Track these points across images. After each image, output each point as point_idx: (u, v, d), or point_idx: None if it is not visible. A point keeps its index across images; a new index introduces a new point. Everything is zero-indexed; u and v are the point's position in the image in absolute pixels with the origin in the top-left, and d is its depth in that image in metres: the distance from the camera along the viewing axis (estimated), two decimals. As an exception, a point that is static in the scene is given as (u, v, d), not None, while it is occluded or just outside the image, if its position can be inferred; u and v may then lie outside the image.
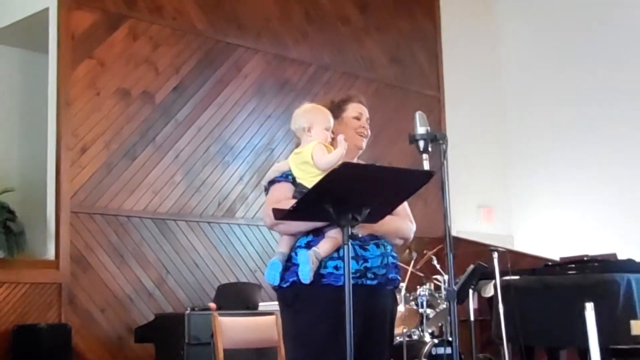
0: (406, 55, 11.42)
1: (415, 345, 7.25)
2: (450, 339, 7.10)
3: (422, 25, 11.78)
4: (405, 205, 3.85)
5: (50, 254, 7.71)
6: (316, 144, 3.61)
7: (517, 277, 6.69)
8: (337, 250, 3.51)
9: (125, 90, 8.27)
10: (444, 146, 3.58)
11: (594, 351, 4.34)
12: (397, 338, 7.13)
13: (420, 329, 7.53)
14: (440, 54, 11.88)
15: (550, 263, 7.46)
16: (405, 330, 7.22)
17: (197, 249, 8.62)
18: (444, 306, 7.51)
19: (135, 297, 8.08)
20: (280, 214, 3.38)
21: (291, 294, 3.61)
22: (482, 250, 7.17)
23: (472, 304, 6.69)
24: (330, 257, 3.54)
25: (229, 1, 9.31)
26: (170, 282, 8.35)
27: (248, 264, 9.00)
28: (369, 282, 3.59)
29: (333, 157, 3.52)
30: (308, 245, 3.57)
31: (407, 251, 7.62)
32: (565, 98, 11.75)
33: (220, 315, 6.31)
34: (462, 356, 7.14)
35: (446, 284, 7.51)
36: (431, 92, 11.61)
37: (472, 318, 6.49)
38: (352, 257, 3.49)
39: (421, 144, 3.59)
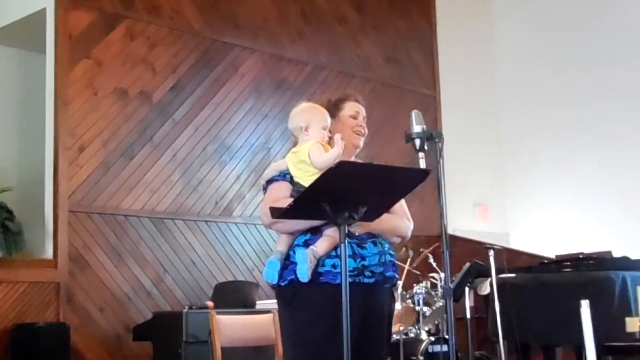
0: (402, 55, 11.44)
1: (412, 343, 7.25)
2: (446, 336, 7.13)
3: (418, 25, 11.80)
4: (402, 203, 3.87)
5: (49, 253, 7.71)
6: (313, 143, 3.63)
7: (513, 275, 6.73)
8: (335, 248, 3.52)
9: (123, 89, 8.28)
10: (440, 145, 3.60)
11: (589, 348, 4.37)
12: (394, 336, 7.13)
13: (416, 327, 7.54)
14: (436, 54, 11.89)
15: (546, 261, 7.49)
16: (401, 328, 7.23)
17: (194, 247, 8.63)
18: (441, 304, 7.53)
19: (133, 296, 8.09)
20: (278, 213, 3.40)
21: (289, 292, 3.63)
22: (478, 248, 7.21)
23: (469, 302, 6.72)
24: (328, 256, 3.55)
25: (226, 1, 9.32)
26: (168, 281, 8.37)
27: (245, 262, 9.02)
28: (366, 280, 3.60)
29: (330, 156, 3.54)
30: (306, 244, 3.59)
31: (404, 249, 7.63)
32: (561, 97, 11.76)
33: (218, 313, 6.33)
34: (459, 354, 7.14)
35: (442, 282, 7.53)
36: (427, 91, 11.63)
37: (468, 316, 6.52)
38: (350, 256, 3.51)
39: (417, 142, 3.60)
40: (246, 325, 6.35)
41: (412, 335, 7.49)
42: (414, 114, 3.66)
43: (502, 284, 6.48)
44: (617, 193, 10.95)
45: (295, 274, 3.54)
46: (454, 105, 11.78)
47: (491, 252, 6.51)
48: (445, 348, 7.15)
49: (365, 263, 3.61)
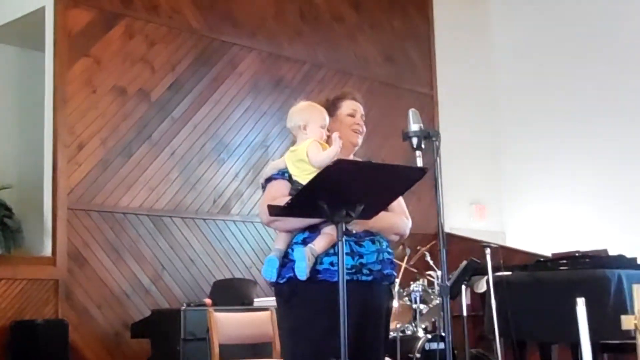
0: (400, 54, 11.46)
1: (409, 341, 7.25)
2: (443, 334, 7.14)
3: (415, 24, 11.82)
4: (401, 201, 3.88)
5: (47, 251, 7.72)
6: (311, 141, 3.64)
7: (509, 273, 6.76)
8: (333, 246, 3.53)
9: (122, 88, 8.30)
10: (436, 143, 3.62)
11: (585, 346, 4.37)
12: (391, 333, 7.16)
13: (413, 325, 7.54)
14: (434, 52, 11.91)
15: (542, 259, 7.49)
16: (398, 326, 7.24)
17: (192, 245, 8.65)
18: (437, 302, 7.53)
19: (131, 293, 8.11)
20: (275, 211, 3.42)
21: (288, 290, 3.65)
22: (474, 247, 7.22)
23: (465, 300, 6.71)
24: (326, 254, 3.57)
25: (224, 0, 9.34)
26: (166, 278, 8.38)
27: (243, 260, 9.04)
28: (364, 278, 3.62)
29: (328, 155, 3.55)
30: (304, 242, 3.61)
31: (401, 247, 7.64)
32: (558, 97, 11.77)
33: (216, 310, 6.37)
34: (455, 351, 7.16)
35: (439, 280, 7.54)
36: (424, 90, 11.65)
37: (464, 313, 6.51)
38: (348, 253, 3.53)
39: (414, 141, 3.62)
40: (244, 323, 6.39)
41: (409, 332, 7.50)
42: (411, 112, 3.68)
43: (498, 282, 6.51)
44: (613, 192, 10.95)
45: (294, 271, 3.56)
46: (451, 104, 11.80)
47: (488, 250, 6.53)
48: (442, 345, 7.15)
49: (363, 261, 3.62)
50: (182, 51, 8.86)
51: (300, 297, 3.61)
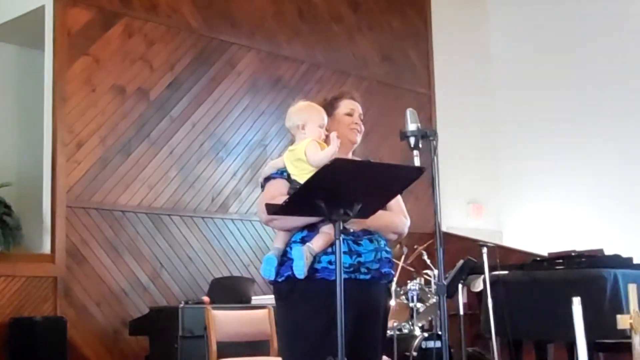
0: (398, 54, 11.48)
1: (406, 339, 7.27)
2: (440, 332, 7.18)
3: (413, 24, 11.84)
4: (399, 200, 3.89)
5: (46, 248, 7.74)
6: (310, 141, 3.65)
7: (505, 272, 6.78)
8: (331, 245, 3.53)
9: (121, 86, 8.32)
10: (434, 143, 3.62)
11: (580, 345, 4.41)
12: (388, 332, 7.18)
13: (410, 323, 7.57)
14: (431, 52, 11.93)
15: (538, 258, 7.51)
16: (395, 324, 7.26)
17: (191, 243, 8.67)
18: (434, 300, 7.55)
19: (130, 291, 8.13)
20: (273, 209, 3.43)
21: (286, 288, 3.66)
22: (471, 246, 7.26)
23: (462, 299, 6.76)
24: (324, 252, 3.58)
25: (223, -1, 9.40)
26: (165, 276, 8.40)
27: (241, 258, 9.06)
28: (362, 276, 3.63)
29: (326, 154, 3.55)
30: (303, 241, 3.62)
31: (398, 246, 7.65)
32: (556, 96, 11.78)
33: (214, 308, 6.40)
34: (452, 350, 7.18)
35: (436, 279, 7.58)
36: (422, 90, 11.67)
37: (461, 312, 6.55)
38: (346, 252, 3.55)
39: (412, 140, 3.63)
40: (242, 321, 6.41)
41: (405, 331, 7.52)
42: (409, 112, 3.69)
43: (495, 281, 6.54)
44: (611, 192, 10.96)
45: (292, 270, 3.57)
46: (449, 103, 11.82)
47: (484, 250, 6.56)
48: (438, 344, 7.18)
49: (361, 259, 3.63)
50: (181, 50, 8.88)
51: (298, 295, 3.62)
